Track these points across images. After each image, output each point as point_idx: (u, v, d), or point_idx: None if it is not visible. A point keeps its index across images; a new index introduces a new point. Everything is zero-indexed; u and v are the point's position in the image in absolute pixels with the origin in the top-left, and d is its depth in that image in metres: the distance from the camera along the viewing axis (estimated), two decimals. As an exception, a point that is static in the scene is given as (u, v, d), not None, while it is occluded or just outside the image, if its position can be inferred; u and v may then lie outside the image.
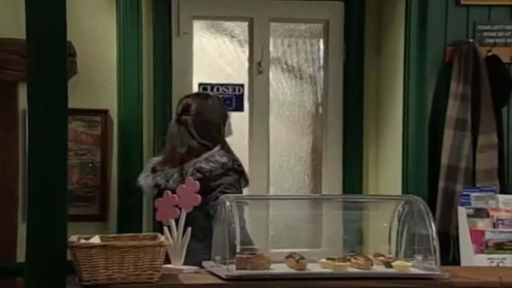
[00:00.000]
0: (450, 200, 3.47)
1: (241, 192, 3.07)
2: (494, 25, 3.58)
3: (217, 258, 2.53)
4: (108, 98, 3.50)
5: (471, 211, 3.28)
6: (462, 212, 3.29)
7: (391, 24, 3.77)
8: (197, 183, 2.68)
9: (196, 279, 2.43)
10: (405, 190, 3.53)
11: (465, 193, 3.36)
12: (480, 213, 3.28)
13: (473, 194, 3.33)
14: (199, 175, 3.00)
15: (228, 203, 2.51)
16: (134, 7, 3.48)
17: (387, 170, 3.83)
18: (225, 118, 3.20)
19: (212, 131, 3.14)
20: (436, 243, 2.55)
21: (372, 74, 3.91)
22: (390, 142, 3.79)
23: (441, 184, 3.51)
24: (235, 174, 3.05)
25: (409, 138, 3.60)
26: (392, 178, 3.71)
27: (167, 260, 2.51)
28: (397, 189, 3.61)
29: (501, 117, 3.55)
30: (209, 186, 2.98)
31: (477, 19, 3.57)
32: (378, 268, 2.56)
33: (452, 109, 3.53)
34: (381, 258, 2.64)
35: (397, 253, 2.73)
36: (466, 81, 3.52)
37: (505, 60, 3.54)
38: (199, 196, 2.61)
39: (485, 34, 3.57)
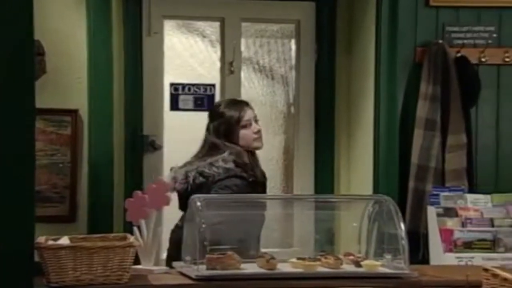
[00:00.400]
0: (420, 200, 3.50)
1: None
2: (463, 27, 3.61)
3: (187, 258, 2.52)
4: (78, 98, 3.47)
5: (440, 211, 3.30)
6: (431, 211, 3.32)
7: (362, 25, 3.79)
8: (168, 183, 2.66)
9: (166, 279, 2.42)
10: (376, 189, 3.55)
11: (434, 192, 3.38)
12: (449, 212, 3.31)
13: (442, 194, 3.36)
14: (201, 179, 3.02)
15: (198, 203, 2.51)
16: (104, 6, 3.45)
17: (358, 170, 3.85)
18: (230, 126, 3.10)
19: (220, 137, 3.11)
20: (405, 242, 2.56)
21: (343, 74, 3.93)
22: (361, 142, 3.81)
23: (411, 183, 3.54)
24: (238, 180, 3.02)
25: (380, 138, 3.62)
26: (364, 177, 3.73)
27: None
28: (368, 189, 3.63)
29: (470, 118, 3.59)
30: (210, 191, 2.99)
31: (446, 20, 3.60)
32: (348, 268, 2.57)
33: (422, 109, 3.56)
34: (351, 257, 2.65)
35: (367, 252, 2.75)
36: (436, 81, 3.55)
37: (474, 61, 3.58)
38: (169, 196, 2.60)
39: (453, 35, 3.61)
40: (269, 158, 3.99)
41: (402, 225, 2.60)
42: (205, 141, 3.14)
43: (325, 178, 3.92)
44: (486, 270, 2.32)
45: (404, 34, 3.56)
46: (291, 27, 3.95)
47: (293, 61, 3.97)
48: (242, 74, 3.91)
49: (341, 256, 2.63)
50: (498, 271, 2.26)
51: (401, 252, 2.56)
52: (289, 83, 4.00)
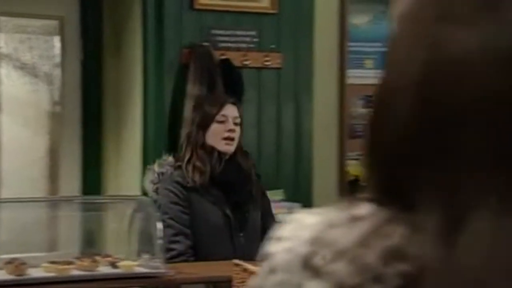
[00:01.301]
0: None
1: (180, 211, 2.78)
2: (227, 30, 3.73)
3: None
4: None
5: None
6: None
7: (129, 25, 3.76)
8: None
9: None
10: (145, 189, 3.54)
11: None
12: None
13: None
14: (151, 184, 2.89)
15: None
16: None
17: (127, 170, 3.82)
18: (206, 120, 2.85)
19: (182, 135, 2.89)
20: (160, 242, 2.59)
21: (111, 73, 3.87)
22: (130, 142, 3.79)
23: (179, 183, 3.58)
24: (173, 184, 2.79)
25: (149, 139, 3.62)
26: (132, 177, 3.71)
27: None
28: (137, 189, 3.61)
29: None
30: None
31: (210, 23, 3.69)
32: (104, 269, 2.54)
33: (189, 110, 3.61)
34: (108, 258, 2.63)
35: (127, 253, 2.74)
36: (202, 83, 3.62)
37: (237, 64, 3.70)
38: None
39: (218, 38, 3.71)
40: (32, 159, 3.83)
41: (159, 226, 2.62)
42: None
43: (92, 178, 3.84)
44: (237, 265, 2.41)
45: (170, 36, 3.59)
46: (54, 24, 3.81)
47: (58, 59, 3.83)
48: (1, 71, 3.70)
49: (98, 258, 2.59)
50: (247, 266, 2.37)
51: (158, 252, 2.58)
52: (53, 82, 3.86)
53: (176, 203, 2.79)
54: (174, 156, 2.94)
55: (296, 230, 0.68)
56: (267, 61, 3.75)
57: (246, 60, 3.73)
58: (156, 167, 2.93)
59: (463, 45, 0.63)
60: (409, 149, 0.64)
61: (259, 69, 3.76)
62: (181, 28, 3.62)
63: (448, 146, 0.62)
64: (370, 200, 0.66)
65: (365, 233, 0.63)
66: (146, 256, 2.63)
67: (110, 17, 3.84)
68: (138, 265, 2.58)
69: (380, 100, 0.67)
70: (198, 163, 2.78)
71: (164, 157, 2.96)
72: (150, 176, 2.97)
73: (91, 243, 3.12)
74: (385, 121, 0.66)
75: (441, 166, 0.62)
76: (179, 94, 3.63)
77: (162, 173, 2.89)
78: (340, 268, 0.63)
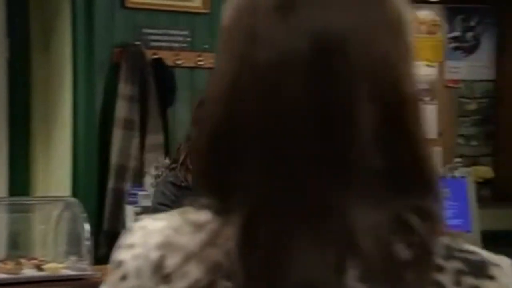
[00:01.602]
0: (119, 199, 3.51)
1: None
2: (159, 29, 3.70)
3: None
4: None
5: (138, 209, 3.34)
6: (129, 210, 3.34)
7: (57, 23, 3.69)
8: None
9: None
10: (75, 190, 3.49)
11: (133, 192, 3.41)
12: (148, 211, 3.36)
13: (140, 193, 3.40)
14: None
15: None
16: None
17: (56, 170, 3.75)
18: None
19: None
20: (88, 243, 2.56)
21: (40, 72, 3.79)
22: (59, 142, 3.72)
23: (110, 183, 3.54)
24: (168, 185, 2.68)
25: (79, 138, 3.57)
26: (62, 178, 3.64)
27: None
28: (67, 190, 3.55)
29: (167, 118, 3.69)
30: None
31: (142, 22, 3.66)
32: (29, 272, 2.50)
33: (121, 109, 3.58)
34: (34, 261, 2.58)
35: (54, 255, 2.70)
36: (134, 82, 3.59)
37: (170, 63, 3.68)
38: None
39: (150, 37, 3.68)
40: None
41: (87, 227, 2.59)
42: None
43: (20, 178, 3.75)
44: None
45: (100, 34, 3.54)
46: (-22, 21, 3.71)
47: (-17, 57, 3.73)
48: None
49: (23, 260, 2.54)
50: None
51: (85, 254, 2.55)
52: (-21, 80, 3.76)
53: (162, 204, 2.76)
54: (171, 158, 2.93)
55: (144, 236, 0.69)
56: (200, 61, 3.74)
57: (178, 59, 3.72)
58: (152, 171, 2.91)
59: (261, 55, 0.64)
60: (216, 158, 0.67)
61: (192, 68, 3.75)
62: (112, 26, 3.58)
63: (238, 156, 0.65)
64: (206, 206, 0.68)
65: (209, 236, 0.65)
66: (73, 258, 2.59)
67: (37, 15, 3.75)
68: (65, 267, 2.54)
69: (204, 109, 0.70)
70: (190, 166, 2.74)
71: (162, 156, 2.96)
72: (150, 180, 2.94)
73: (17, 245, 3.05)
74: (206, 124, 0.68)
75: (233, 174, 0.65)
76: (110, 94, 3.59)
77: (159, 176, 2.88)
78: (192, 270, 0.64)
